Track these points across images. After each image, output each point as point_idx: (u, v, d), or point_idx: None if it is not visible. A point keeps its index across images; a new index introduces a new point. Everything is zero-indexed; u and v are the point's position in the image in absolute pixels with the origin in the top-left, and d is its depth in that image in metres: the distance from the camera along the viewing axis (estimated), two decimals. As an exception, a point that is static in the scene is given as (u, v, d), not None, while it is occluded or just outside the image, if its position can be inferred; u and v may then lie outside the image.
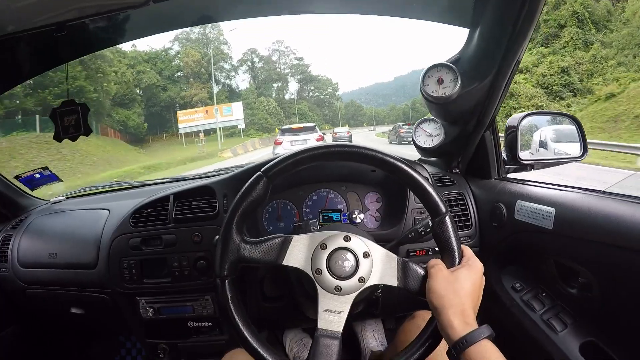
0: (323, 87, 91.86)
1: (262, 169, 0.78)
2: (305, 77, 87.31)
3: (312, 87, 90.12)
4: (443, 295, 0.65)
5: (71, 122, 1.17)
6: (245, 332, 0.72)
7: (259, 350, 0.71)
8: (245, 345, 0.72)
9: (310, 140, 12.00)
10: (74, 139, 1.19)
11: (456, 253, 0.71)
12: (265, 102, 60.24)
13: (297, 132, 12.84)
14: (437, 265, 0.70)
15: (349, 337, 1.38)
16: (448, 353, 0.62)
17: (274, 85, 78.88)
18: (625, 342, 0.82)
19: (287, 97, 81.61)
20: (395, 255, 0.74)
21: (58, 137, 1.17)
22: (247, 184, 0.78)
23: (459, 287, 0.65)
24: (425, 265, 0.72)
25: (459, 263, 0.71)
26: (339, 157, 0.80)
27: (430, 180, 1.18)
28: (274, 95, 75.59)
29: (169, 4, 0.92)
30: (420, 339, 0.70)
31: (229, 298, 0.74)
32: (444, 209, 0.73)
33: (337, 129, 28.34)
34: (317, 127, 13.45)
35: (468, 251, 0.73)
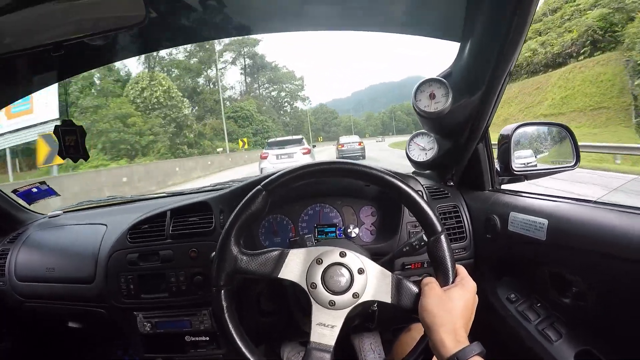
0: (282, 81, 61.19)
1: (262, 183, 0.80)
2: (255, 63, 56.91)
3: (265, 80, 59.21)
4: (435, 314, 0.65)
5: (71, 142, 1.16)
6: (238, 342, 0.73)
7: (251, 359, 0.72)
8: (238, 353, 0.73)
9: (296, 154, 12.03)
10: (75, 160, 1.18)
11: (450, 272, 0.72)
12: (145, 80, 27.66)
13: (283, 145, 12.77)
14: (431, 283, 0.71)
15: (347, 350, 1.38)
16: None
17: (205, 70, 43.94)
18: (620, 350, 0.82)
19: (227, 93, 51.01)
20: (390, 273, 0.75)
21: (62, 154, 1.16)
22: (246, 197, 0.79)
23: (452, 306, 0.66)
24: (419, 279, 0.73)
25: (453, 282, 0.72)
26: (339, 174, 0.82)
27: (424, 193, 1.19)
28: (201, 82, 43.06)
29: (165, 23, 0.94)
30: (411, 357, 0.71)
31: (224, 307, 0.75)
32: (439, 228, 0.75)
33: (343, 139, 20.58)
34: (304, 140, 13.37)
35: (462, 271, 0.74)
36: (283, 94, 62.66)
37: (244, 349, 0.73)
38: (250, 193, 0.79)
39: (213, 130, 36.42)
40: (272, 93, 60.78)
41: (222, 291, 0.76)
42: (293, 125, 62.52)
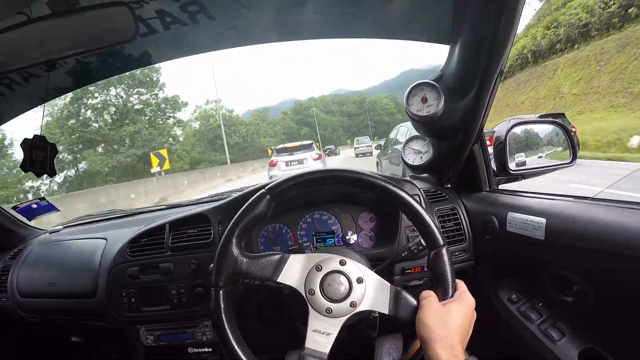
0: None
1: (266, 187, 0.81)
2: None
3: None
4: (432, 328, 0.66)
5: (39, 157, 1.18)
6: (233, 342, 0.73)
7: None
8: (231, 354, 0.73)
9: (307, 160, 11.63)
10: (38, 175, 1.20)
11: (450, 287, 0.73)
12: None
13: (293, 152, 12.29)
14: (429, 297, 0.71)
15: (366, 353, 1.38)
16: None
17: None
18: (623, 347, 0.82)
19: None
20: (389, 284, 0.76)
21: (24, 167, 1.17)
22: (250, 200, 0.80)
23: (450, 321, 0.66)
24: (420, 282, 0.73)
25: (452, 297, 0.72)
26: (343, 182, 0.83)
27: (421, 197, 1.19)
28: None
29: (155, 38, 0.95)
30: None
31: (221, 308, 0.76)
32: (441, 242, 0.75)
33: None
34: (314, 145, 12.86)
35: (462, 285, 0.75)
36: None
37: (238, 350, 0.73)
38: (254, 196, 0.80)
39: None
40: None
41: (221, 291, 0.76)
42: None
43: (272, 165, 12.05)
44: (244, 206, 0.80)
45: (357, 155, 21.86)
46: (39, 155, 1.17)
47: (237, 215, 0.79)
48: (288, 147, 12.75)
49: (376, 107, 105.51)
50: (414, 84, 1.10)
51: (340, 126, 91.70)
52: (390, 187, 0.79)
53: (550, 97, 21.31)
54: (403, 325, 0.72)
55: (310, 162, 11.61)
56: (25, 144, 1.16)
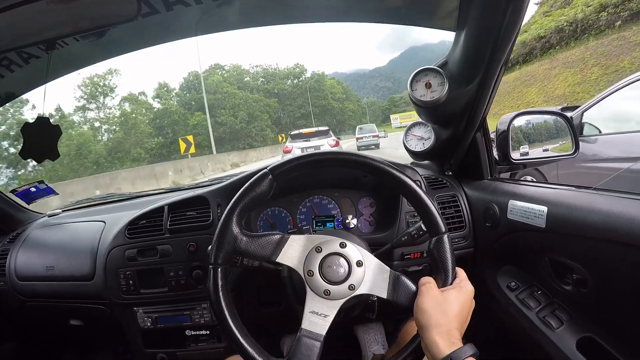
0: None
1: (268, 168, 0.80)
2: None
3: None
4: (431, 314, 0.66)
5: (40, 142, 1.13)
6: (229, 319, 0.73)
7: (240, 339, 0.72)
8: (226, 332, 0.73)
9: (324, 146, 11.14)
10: (39, 161, 1.16)
11: (450, 274, 0.73)
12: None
13: (309, 138, 11.89)
14: (429, 283, 0.71)
15: (351, 340, 1.39)
16: None
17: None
18: (621, 336, 0.82)
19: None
20: (389, 268, 0.75)
21: (24, 154, 1.12)
22: (252, 179, 0.79)
23: (448, 308, 0.66)
24: (419, 268, 0.73)
25: (451, 284, 0.72)
26: (346, 165, 0.82)
27: (422, 183, 1.19)
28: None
29: (156, 17, 0.93)
30: (401, 356, 0.71)
31: (219, 285, 0.75)
32: (443, 229, 0.75)
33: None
34: (330, 132, 12.38)
35: (461, 273, 0.75)
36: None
37: (235, 329, 0.72)
38: (256, 176, 0.80)
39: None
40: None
41: (219, 269, 0.76)
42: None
43: (286, 152, 11.72)
44: (246, 185, 0.79)
45: (359, 148, 21.50)
46: (41, 139, 1.12)
47: (238, 193, 0.79)
48: (304, 132, 12.36)
49: (322, 86, 74.17)
50: (418, 69, 1.10)
51: (265, 111, 55.10)
52: (394, 171, 0.79)
53: None
54: (401, 310, 0.72)
55: (327, 148, 10.88)
56: (26, 129, 1.10)
